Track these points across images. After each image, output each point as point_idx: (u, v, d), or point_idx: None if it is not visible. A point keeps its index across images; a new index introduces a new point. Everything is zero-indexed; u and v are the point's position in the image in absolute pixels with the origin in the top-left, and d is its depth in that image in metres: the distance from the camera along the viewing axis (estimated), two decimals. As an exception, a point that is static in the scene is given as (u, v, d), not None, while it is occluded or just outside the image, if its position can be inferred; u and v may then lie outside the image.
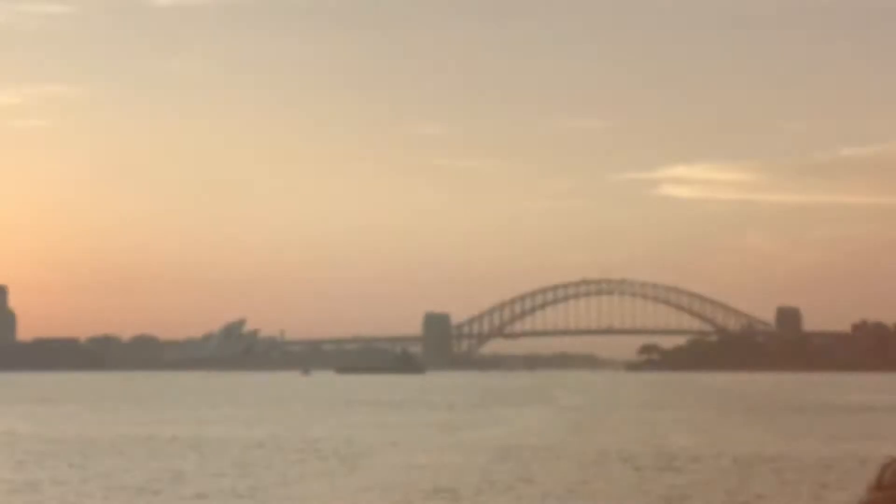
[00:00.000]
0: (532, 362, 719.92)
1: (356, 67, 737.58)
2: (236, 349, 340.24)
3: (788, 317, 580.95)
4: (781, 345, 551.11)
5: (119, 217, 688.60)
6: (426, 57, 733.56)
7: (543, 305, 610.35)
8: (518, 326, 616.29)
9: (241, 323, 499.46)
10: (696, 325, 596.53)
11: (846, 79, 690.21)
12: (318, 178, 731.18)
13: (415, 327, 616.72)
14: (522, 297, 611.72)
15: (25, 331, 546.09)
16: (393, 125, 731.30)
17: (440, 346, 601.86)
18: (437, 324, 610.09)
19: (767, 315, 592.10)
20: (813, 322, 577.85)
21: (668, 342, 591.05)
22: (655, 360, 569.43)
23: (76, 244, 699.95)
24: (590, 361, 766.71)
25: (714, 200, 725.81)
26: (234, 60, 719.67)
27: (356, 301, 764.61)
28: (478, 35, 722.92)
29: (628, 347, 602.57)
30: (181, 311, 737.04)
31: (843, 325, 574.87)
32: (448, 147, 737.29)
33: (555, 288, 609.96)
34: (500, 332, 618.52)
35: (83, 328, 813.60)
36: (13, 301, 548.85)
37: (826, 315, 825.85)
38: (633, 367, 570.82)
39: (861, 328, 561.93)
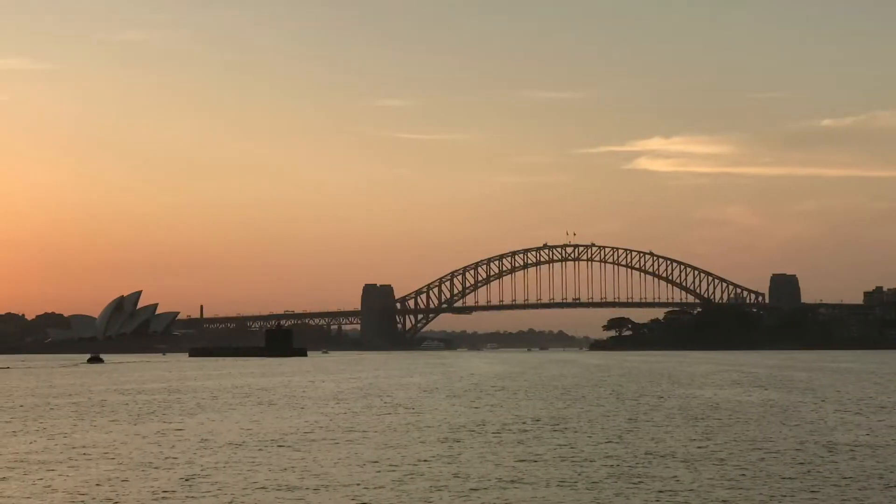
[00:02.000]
0: (496, 340, 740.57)
1: (323, 39, 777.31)
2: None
3: (785, 286, 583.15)
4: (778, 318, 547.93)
5: (85, 192, 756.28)
6: (393, 28, 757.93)
7: (500, 275, 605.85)
8: (471, 299, 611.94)
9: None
10: (676, 295, 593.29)
11: (825, 49, 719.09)
12: (285, 149, 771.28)
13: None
14: (476, 265, 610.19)
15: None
16: (359, 98, 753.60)
17: (382, 322, 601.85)
18: (378, 297, 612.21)
19: (757, 287, 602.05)
20: (808, 294, 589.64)
21: (642, 315, 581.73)
22: (626, 336, 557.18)
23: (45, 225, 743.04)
24: (560, 339, 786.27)
25: (692, 174, 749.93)
26: (204, 32, 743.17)
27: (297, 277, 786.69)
28: (445, 4, 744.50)
29: (599, 322, 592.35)
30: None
31: (830, 296, 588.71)
32: (414, 120, 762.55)
33: (512, 254, 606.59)
34: (450, 306, 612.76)
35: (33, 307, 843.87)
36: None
37: (813, 287, 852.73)
38: (598, 345, 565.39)
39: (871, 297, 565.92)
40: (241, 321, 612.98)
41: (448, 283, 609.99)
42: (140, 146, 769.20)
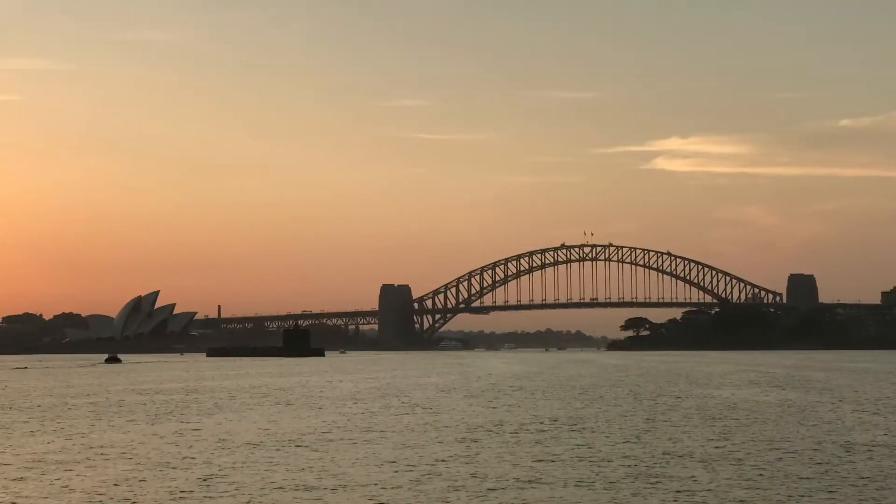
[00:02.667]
0: (514, 340, 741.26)
1: (341, 39, 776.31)
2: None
3: (802, 286, 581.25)
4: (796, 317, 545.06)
5: (102, 191, 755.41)
6: (409, 27, 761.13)
7: (518, 275, 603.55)
8: (489, 299, 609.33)
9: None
10: (693, 295, 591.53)
11: (843, 49, 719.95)
12: (302, 149, 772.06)
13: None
14: (493, 265, 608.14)
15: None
16: (376, 98, 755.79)
17: (399, 322, 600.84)
18: (396, 297, 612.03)
19: (774, 287, 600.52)
20: (825, 293, 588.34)
21: (659, 315, 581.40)
22: (644, 336, 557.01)
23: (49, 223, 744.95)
24: (577, 339, 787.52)
25: (710, 174, 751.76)
26: (222, 32, 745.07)
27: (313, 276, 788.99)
28: (463, 4, 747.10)
29: (617, 322, 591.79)
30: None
31: (847, 296, 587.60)
32: (432, 120, 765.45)
33: (530, 254, 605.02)
34: (467, 306, 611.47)
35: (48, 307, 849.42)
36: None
37: (831, 287, 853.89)
38: (615, 345, 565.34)
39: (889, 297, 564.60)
40: (258, 321, 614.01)
41: (466, 283, 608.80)
42: (158, 146, 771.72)
